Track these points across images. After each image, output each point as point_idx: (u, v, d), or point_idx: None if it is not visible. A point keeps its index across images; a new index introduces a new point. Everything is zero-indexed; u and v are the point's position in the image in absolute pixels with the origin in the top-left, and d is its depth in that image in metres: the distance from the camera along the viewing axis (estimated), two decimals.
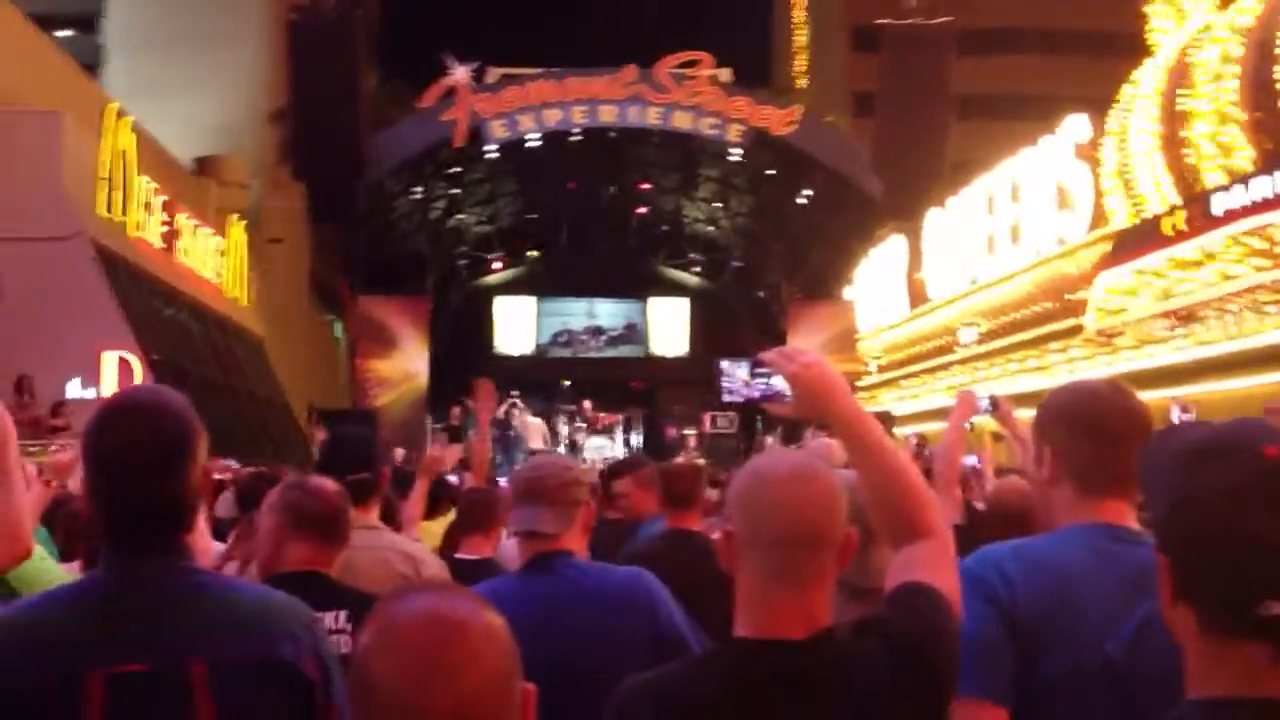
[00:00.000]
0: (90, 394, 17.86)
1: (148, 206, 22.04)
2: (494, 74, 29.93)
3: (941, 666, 1.94)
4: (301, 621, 2.18)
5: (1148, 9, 20.83)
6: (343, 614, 3.06)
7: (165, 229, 22.94)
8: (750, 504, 1.95)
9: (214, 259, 25.96)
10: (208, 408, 20.59)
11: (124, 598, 2.07)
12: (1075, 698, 2.23)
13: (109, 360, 18.34)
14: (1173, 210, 17.73)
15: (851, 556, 1.97)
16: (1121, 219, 19.60)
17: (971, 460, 8.32)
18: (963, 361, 26.36)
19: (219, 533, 5.71)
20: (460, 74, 28.13)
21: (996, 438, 6.53)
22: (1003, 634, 2.30)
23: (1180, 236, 17.40)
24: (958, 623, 2.01)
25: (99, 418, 2.15)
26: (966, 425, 4.53)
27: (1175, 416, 14.20)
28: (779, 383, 2.27)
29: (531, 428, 23.67)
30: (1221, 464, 1.36)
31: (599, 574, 3.21)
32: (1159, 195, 18.36)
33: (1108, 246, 19.95)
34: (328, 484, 3.27)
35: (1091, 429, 2.44)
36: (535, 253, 40.11)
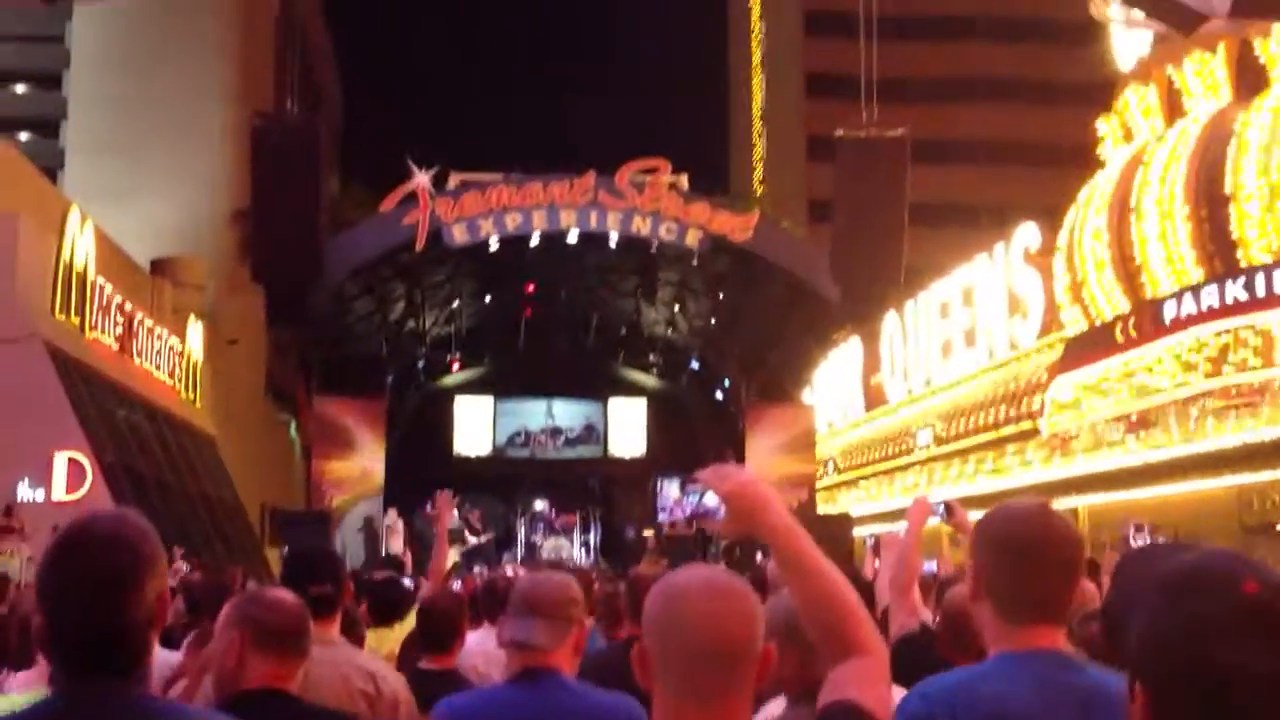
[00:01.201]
0: (40, 495, 17.64)
1: (104, 308, 21.97)
2: (455, 179, 30.19)
3: None
4: None
5: (1097, 124, 21.40)
6: None
7: (121, 330, 22.84)
8: (664, 620, 1.92)
9: (169, 360, 25.84)
10: (159, 509, 20.36)
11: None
12: None
13: (60, 461, 18.16)
14: (1123, 317, 18.03)
15: (771, 670, 1.94)
16: (1073, 325, 19.90)
17: (930, 565, 8.35)
18: (920, 463, 26.49)
19: (168, 638, 5.61)
20: (421, 178, 28.34)
21: (954, 541, 6.56)
22: None
23: (1131, 343, 17.68)
24: None
25: (52, 549, 2.11)
26: (928, 525, 4.57)
27: (1131, 534, 14.26)
28: (711, 500, 2.28)
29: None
30: (1202, 598, 1.37)
31: (588, 695, 3.17)
32: (1109, 303, 18.68)
33: (1059, 353, 20.23)
34: (288, 597, 3.22)
35: (1013, 550, 2.43)
36: (493, 354, 40.14)
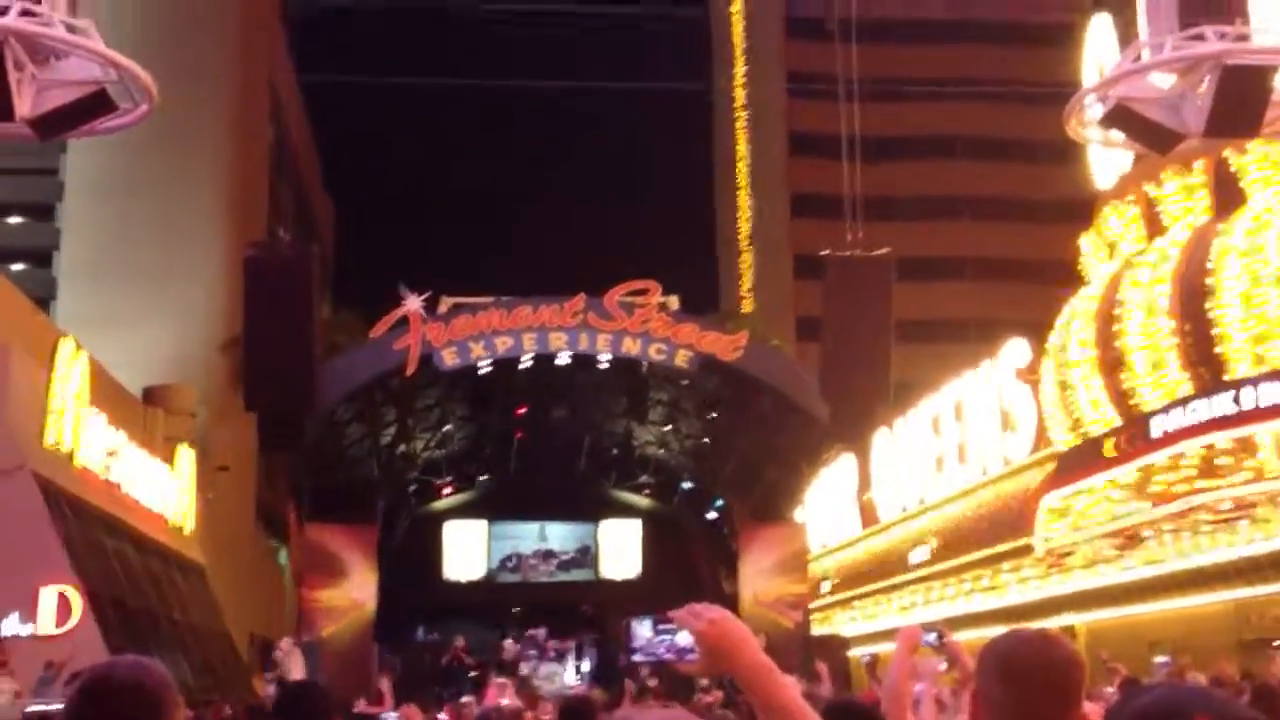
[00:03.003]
0: (27, 630, 17.43)
1: (95, 438, 21.95)
2: (446, 303, 30.47)
3: None
4: None
5: (1080, 240, 21.69)
6: None
7: (111, 460, 22.80)
8: None
9: (159, 488, 25.74)
10: (148, 641, 20.11)
11: None
12: None
13: (48, 595, 17.98)
14: (1113, 432, 18.08)
15: None
16: (1062, 441, 19.94)
17: (920, 687, 8.24)
18: (915, 581, 26.29)
19: None
20: (413, 303, 28.61)
21: (950, 665, 6.50)
22: None
23: (1121, 458, 17.69)
24: None
25: (75, 697, 2.23)
26: (922, 651, 4.54)
27: (1158, 663, 14.29)
28: (683, 639, 2.29)
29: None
30: None
31: None
32: (1098, 417, 18.75)
33: (1049, 468, 20.23)
34: None
35: (1014, 674, 2.48)
36: (485, 477, 40.03)
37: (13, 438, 18.44)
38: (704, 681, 21.44)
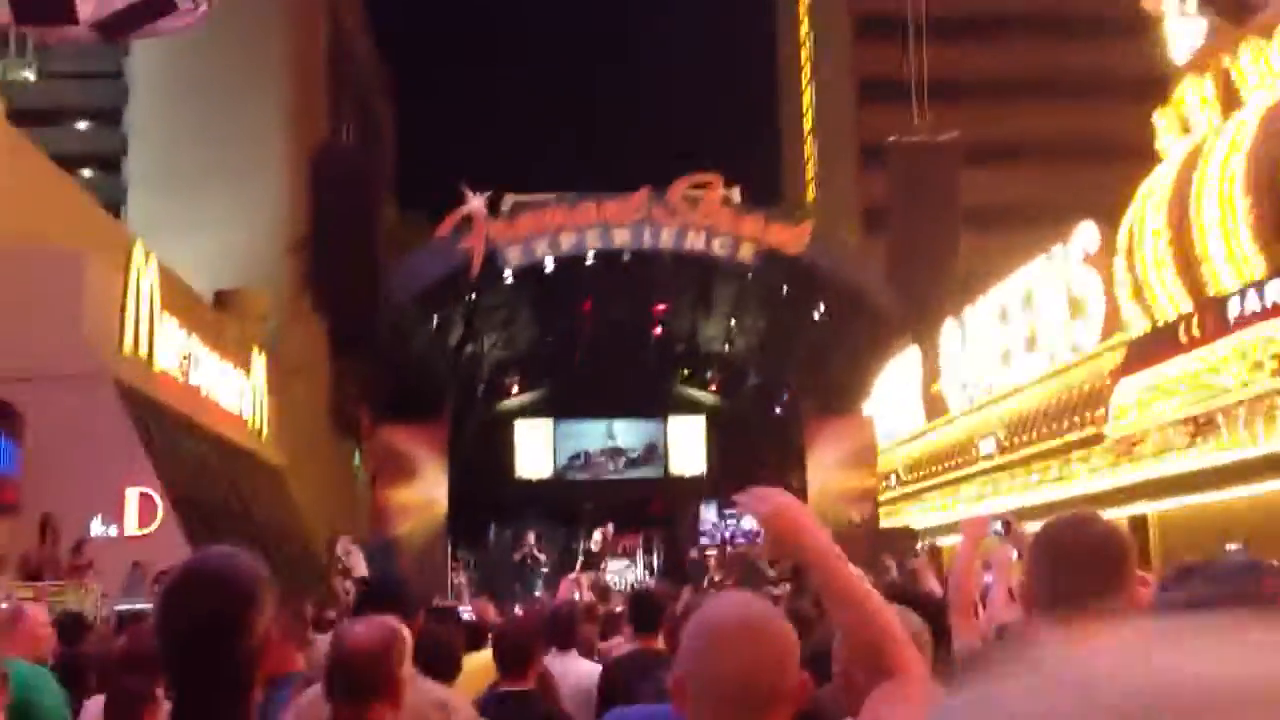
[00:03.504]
0: (113, 531, 17.91)
1: (170, 342, 22.30)
2: (508, 201, 30.40)
3: None
4: None
5: (1153, 118, 21.11)
6: None
7: (186, 364, 23.17)
8: (698, 659, 1.94)
9: (234, 391, 26.17)
10: (228, 540, 20.58)
11: None
12: None
13: (131, 497, 18.42)
14: (1187, 317, 17.77)
15: (805, 699, 1.95)
16: (1136, 326, 19.65)
17: (987, 577, 8.24)
18: (983, 473, 26.22)
19: None
20: (476, 202, 28.58)
21: (1020, 555, 6.48)
22: None
23: (1195, 343, 17.40)
24: None
25: (167, 586, 2.31)
26: (991, 537, 4.53)
27: (1231, 551, 14.17)
28: (749, 523, 2.30)
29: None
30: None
31: None
32: (1172, 302, 18.42)
33: (1121, 355, 19.97)
34: (367, 638, 3.26)
35: (1050, 556, 2.50)
36: (552, 376, 40.28)
37: (91, 344, 18.78)
38: (770, 572, 21.66)
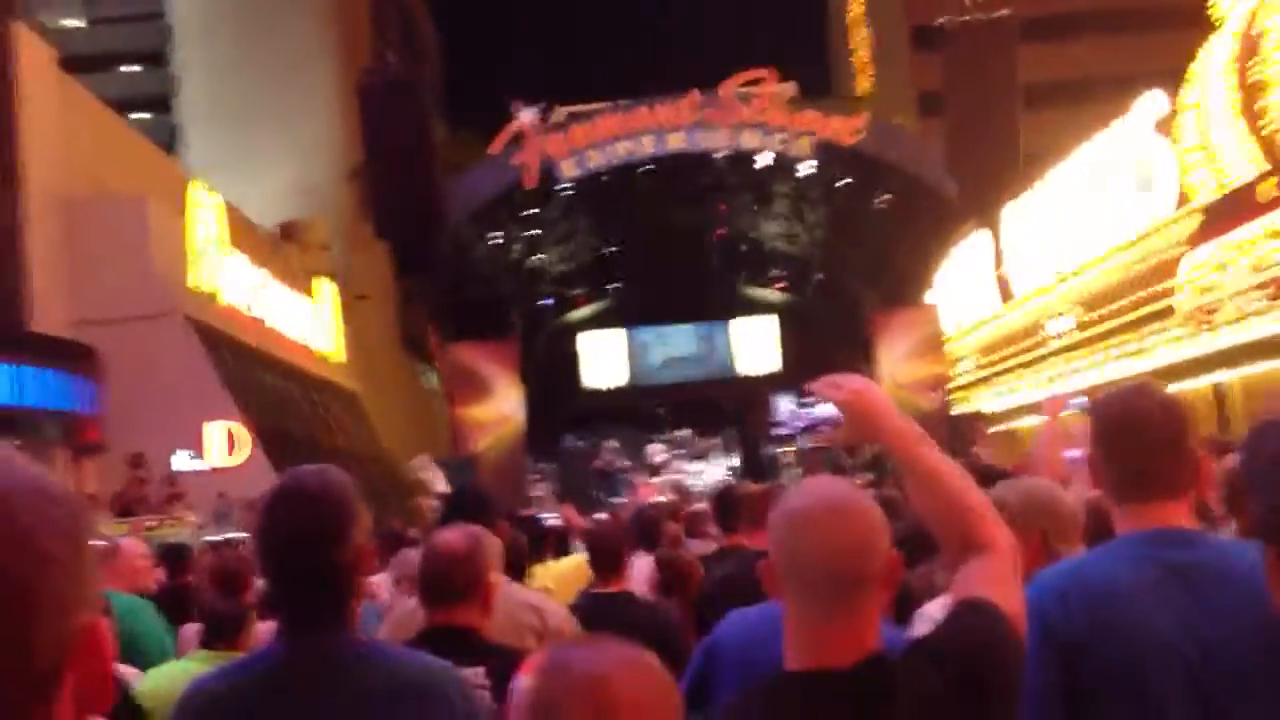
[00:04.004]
0: (200, 465, 18.28)
1: (237, 277, 22.56)
2: (560, 113, 30.19)
3: (990, 681, 1.90)
4: (456, 687, 2.35)
5: None
6: (481, 670, 3.09)
7: (254, 296, 23.45)
8: (787, 543, 1.93)
9: (303, 321, 26.47)
10: None
11: (293, 668, 2.23)
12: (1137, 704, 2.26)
13: (213, 430, 18.76)
14: (1264, 177, 17.34)
15: (898, 576, 1.94)
16: (1208, 193, 19.21)
17: (1074, 453, 8.20)
18: (1055, 353, 25.95)
19: None
20: (527, 116, 28.43)
21: None
22: (1059, 679, 2.32)
23: (1274, 204, 17.01)
24: (1016, 637, 1.97)
25: (266, 503, 2.34)
26: (1061, 417, 4.50)
27: None
28: (823, 410, 2.29)
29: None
30: None
31: None
32: (1246, 164, 17.98)
33: (1196, 222, 19.56)
34: (454, 544, 3.30)
35: (1110, 430, 2.48)
36: (617, 285, 40.29)
37: (160, 283, 19.06)
38: (849, 461, 21.73)
